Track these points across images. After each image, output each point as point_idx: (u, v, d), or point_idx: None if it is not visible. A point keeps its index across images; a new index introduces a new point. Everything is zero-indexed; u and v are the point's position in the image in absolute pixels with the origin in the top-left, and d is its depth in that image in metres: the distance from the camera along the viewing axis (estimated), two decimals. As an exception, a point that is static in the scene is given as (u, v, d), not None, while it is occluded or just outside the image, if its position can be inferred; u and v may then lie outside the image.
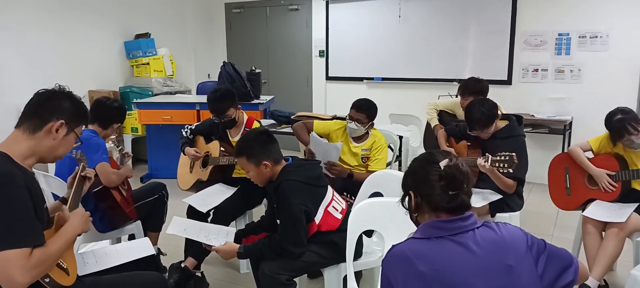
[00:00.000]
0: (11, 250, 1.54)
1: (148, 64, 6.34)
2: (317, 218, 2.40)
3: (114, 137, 3.14)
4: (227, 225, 3.18)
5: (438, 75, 6.03)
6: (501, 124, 3.18)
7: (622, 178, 2.97)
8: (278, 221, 2.39)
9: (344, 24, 6.58)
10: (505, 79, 5.65)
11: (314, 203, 2.39)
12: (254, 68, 5.63)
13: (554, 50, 5.41)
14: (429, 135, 4.34)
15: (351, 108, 3.38)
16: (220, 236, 2.57)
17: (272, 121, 5.20)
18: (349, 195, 3.11)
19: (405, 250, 1.40)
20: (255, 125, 3.46)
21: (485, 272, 1.35)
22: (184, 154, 3.52)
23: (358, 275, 2.89)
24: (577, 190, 3.20)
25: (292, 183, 2.34)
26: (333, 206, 2.48)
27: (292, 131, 3.80)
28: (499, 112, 3.19)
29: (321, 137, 3.50)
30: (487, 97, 3.68)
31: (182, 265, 3.06)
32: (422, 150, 4.26)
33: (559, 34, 5.36)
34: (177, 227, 2.58)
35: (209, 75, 7.43)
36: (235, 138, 3.43)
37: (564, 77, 5.40)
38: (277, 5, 7.23)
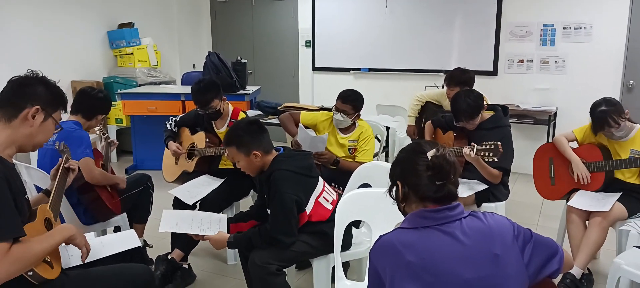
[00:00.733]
0: None
1: (132, 54, 6.25)
2: (308, 209, 2.39)
3: (98, 127, 3.07)
4: (215, 216, 3.18)
5: (424, 66, 6.04)
6: (487, 114, 3.20)
7: (605, 168, 3.01)
8: (269, 211, 2.39)
9: (330, 14, 6.55)
10: (491, 69, 5.69)
11: (305, 194, 2.39)
12: (239, 58, 5.58)
13: (539, 41, 5.45)
14: (416, 126, 4.36)
15: (337, 99, 3.37)
16: (213, 224, 2.55)
17: (259, 112, 5.17)
18: (337, 186, 3.11)
19: (392, 240, 1.40)
20: (242, 116, 3.43)
21: (472, 261, 1.36)
22: (167, 148, 3.49)
23: (346, 265, 2.90)
24: (561, 180, 3.23)
25: (283, 173, 2.34)
26: (324, 197, 2.48)
27: (278, 122, 3.78)
28: (485, 103, 3.20)
29: (308, 128, 3.49)
30: (473, 87, 3.70)
31: (169, 257, 3.04)
32: (409, 141, 4.27)
33: (544, 25, 5.40)
34: (169, 222, 2.54)
35: (194, 65, 7.35)
36: (220, 129, 3.40)
37: (549, 68, 5.45)
38: (263, -5, 7.18)
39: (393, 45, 6.22)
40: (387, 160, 4.54)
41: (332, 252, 2.38)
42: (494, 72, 5.69)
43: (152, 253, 3.26)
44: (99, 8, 6.22)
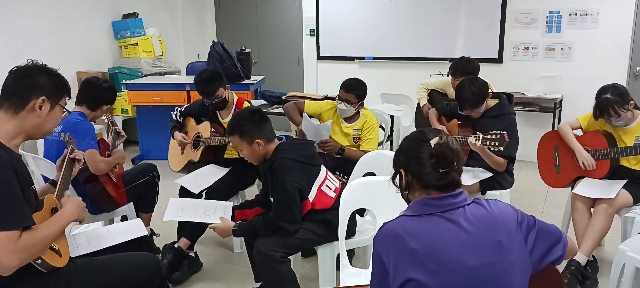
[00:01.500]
0: None
1: (136, 44, 6.25)
2: (311, 197, 2.41)
3: (105, 117, 3.07)
4: (220, 206, 3.20)
5: (429, 54, 6.01)
6: (491, 102, 3.19)
7: (610, 156, 3.00)
8: (272, 199, 2.40)
9: (334, 3, 6.51)
10: (496, 57, 5.65)
11: (308, 182, 2.41)
12: (244, 48, 5.58)
13: (544, 28, 5.41)
14: (420, 114, 4.35)
15: (340, 88, 3.36)
16: (218, 211, 2.57)
17: (263, 102, 5.18)
18: (341, 175, 3.12)
19: (396, 227, 1.41)
20: (246, 105, 3.44)
21: (475, 247, 1.36)
22: (173, 138, 3.50)
23: (351, 253, 2.91)
24: (566, 168, 3.23)
25: (285, 162, 2.35)
26: (327, 185, 2.50)
27: (283, 111, 3.78)
28: (490, 91, 3.19)
29: (312, 117, 3.50)
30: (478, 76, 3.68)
31: (176, 245, 3.07)
32: (413, 130, 4.27)
33: (550, 12, 5.36)
34: (174, 211, 2.58)
35: (198, 55, 7.35)
36: (225, 119, 3.41)
37: (555, 55, 5.41)
38: (267, -16, 7.15)
39: (398, 34, 6.18)
40: (391, 149, 4.55)
41: (336, 239, 2.39)
42: (499, 60, 5.66)
43: (159, 242, 3.29)
44: (104, -2, 6.23)
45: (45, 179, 2.74)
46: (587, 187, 3.00)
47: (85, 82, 2.99)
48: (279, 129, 5.63)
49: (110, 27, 6.34)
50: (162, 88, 5.51)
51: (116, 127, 3.07)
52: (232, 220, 2.56)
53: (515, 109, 3.32)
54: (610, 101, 2.86)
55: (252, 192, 3.36)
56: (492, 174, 3.11)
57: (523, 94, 5.38)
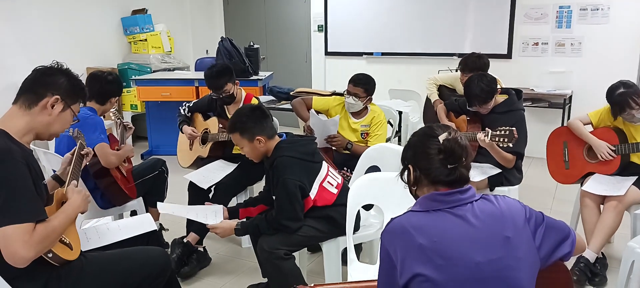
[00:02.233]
0: (14, 226, 1.55)
1: (146, 40, 6.29)
2: (312, 194, 2.41)
3: (113, 110, 3.09)
4: (229, 201, 3.21)
5: (438, 49, 5.99)
6: (500, 98, 3.18)
7: (621, 152, 2.98)
8: (274, 197, 2.41)
9: (343, -1, 6.51)
10: (505, 52, 5.62)
11: (309, 179, 2.41)
12: (252, 43, 5.59)
13: (554, 23, 5.36)
14: (429, 110, 4.33)
15: (349, 83, 3.37)
16: (209, 215, 2.58)
17: (271, 97, 5.18)
18: (349, 170, 3.13)
19: (404, 223, 1.41)
20: (254, 102, 3.45)
21: (483, 243, 1.36)
22: (182, 132, 3.53)
23: (358, 248, 2.92)
24: (575, 164, 3.21)
25: (286, 160, 2.36)
26: (328, 181, 2.49)
27: (291, 107, 3.79)
28: (498, 86, 3.17)
29: (320, 113, 3.50)
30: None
31: (185, 240, 3.09)
32: (422, 126, 4.26)
33: (560, 7, 5.31)
34: (166, 210, 2.65)
35: (207, 51, 7.38)
36: (234, 114, 3.42)
37: (565, 51, 5.37)
38: (275, -20, 7.15)
39: (406, 29, 6.16)
40: (399, 145, 4.53)
41: (339, 235, 2.40)
42: (508, 55, 5.63)
43: (168, 237, 3.32)
44: (113, -6, 6.26)
45: (56, 174, 2.76)
46: (596, 184, 2.98)
47: (90, 78, 3.01)
48: (287, 125, 5.64)
49: (119, 23, 6.37)
50: (171, 84, 5.54)
51: (123, 121, 3.10)
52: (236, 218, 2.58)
53: (524, 104, 3.30)
54: (626, 94, 2.83)
55: (260, 187, 3.36)
56: (500, 170, 3.10)
57: (532, 89, 5.35)
